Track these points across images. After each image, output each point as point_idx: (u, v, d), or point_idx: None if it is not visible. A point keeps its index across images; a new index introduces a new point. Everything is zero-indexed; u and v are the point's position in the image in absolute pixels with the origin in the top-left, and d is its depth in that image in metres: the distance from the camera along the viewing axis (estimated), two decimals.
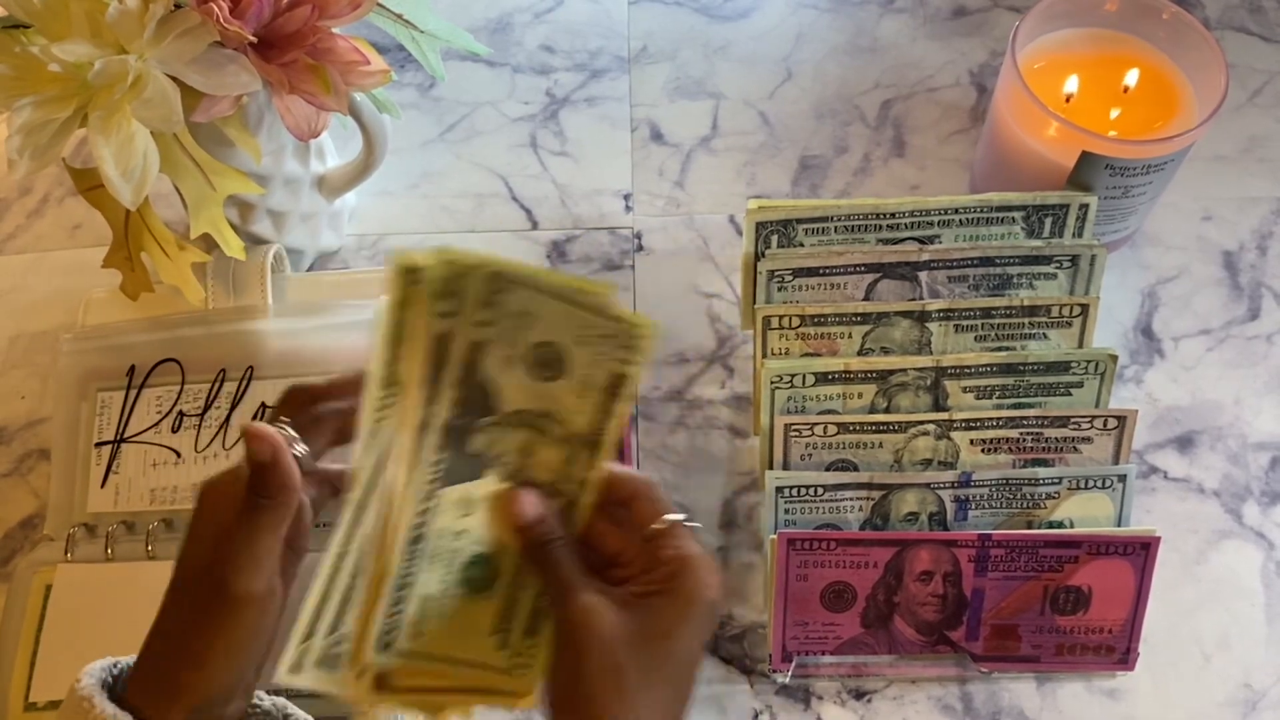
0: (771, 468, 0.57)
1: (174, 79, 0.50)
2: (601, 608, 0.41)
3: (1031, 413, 0.57)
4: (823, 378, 0.57)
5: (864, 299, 0.60)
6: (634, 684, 0.40)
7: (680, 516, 0.43)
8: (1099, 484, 0.56)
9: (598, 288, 0.40)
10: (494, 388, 0.42)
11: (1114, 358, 0.57)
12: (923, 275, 0.59)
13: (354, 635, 0.44)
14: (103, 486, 0.60)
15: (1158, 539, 0.54)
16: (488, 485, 0.43)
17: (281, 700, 0.47)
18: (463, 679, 0.45)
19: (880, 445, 0.57)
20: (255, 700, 0.46)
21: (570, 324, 0.41)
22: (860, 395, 0.58)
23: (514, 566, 0.44)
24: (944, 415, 0.57)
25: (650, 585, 0.42)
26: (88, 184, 0.56)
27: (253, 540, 0.42)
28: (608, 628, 0.40)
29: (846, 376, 0.57)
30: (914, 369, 0.57)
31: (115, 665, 0.45)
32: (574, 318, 0.41)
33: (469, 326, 0.40)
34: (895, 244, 0.60)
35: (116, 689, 0.44)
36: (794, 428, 0.57)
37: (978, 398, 0.58)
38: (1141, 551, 0.55)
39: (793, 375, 0.57)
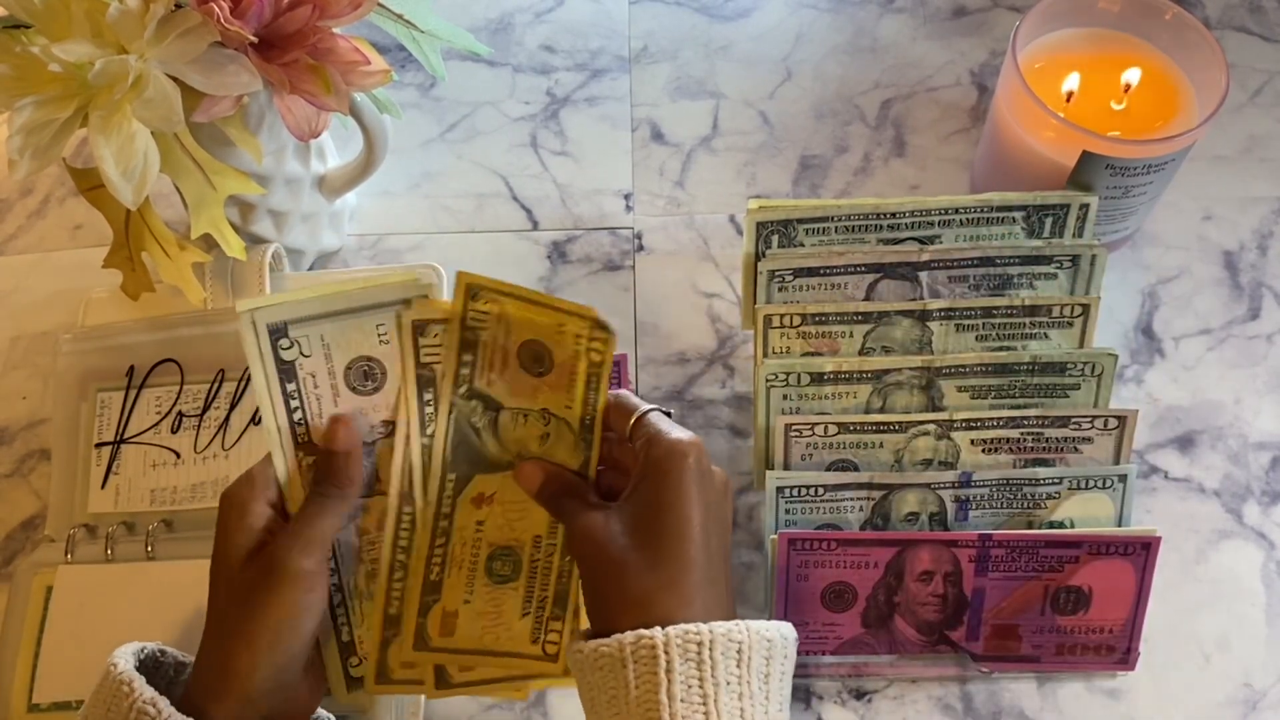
0: (771, 468, 0.57)
1: (175, 79, 0.50)
2: (595, 520, 0.44)
3: (1032, 413, 0.57)
4: (818, 377, 0.57)
5: (864, 299, 0.60)
6: (638, 570, 0.42)
7: (647, 407, 0.45)
8: (1099, 484, 0.56)
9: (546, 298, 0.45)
10: (494, 389, 0.44)
11: (1113, 357, 0.57)
12: (923, 275, 0.59)
13: (402, 635, 0.48)
14: (103, 487, 0.60)
15: (1158, 539, 0.54)
16: (499, 477, 0.47)
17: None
18: (504, 668, 0.49)
19: (881, 445, 0.57)
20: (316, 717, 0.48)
21: (542, 322, 0.44)
22: (855, 395, 0.58)
23: (531, 554, 0.48)
24: (944, 415, 0.57)
25: (635, 479, 0.44)
26: (88, 184, 0.56)
27: (314, 524, 0.45)
28: (600, 533, 0.43)
29: (842, 376, 0.57)
30: (909, 368, 0.57)
31: (142, 650, 0.45)
32: (543, 316, 0.44)
33: (462, 331, 0.45)
34: (896, 244, 0.60)
35: (158, 678, 0.45)
36: (794, 428, 0.57)
37: (973, 397, 0.58)
38: (1142, 551, 0.55)
39: (788, 374, 0.57)
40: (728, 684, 0.40)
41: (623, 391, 0.47)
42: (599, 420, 0.46)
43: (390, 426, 0.47)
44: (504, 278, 0.45)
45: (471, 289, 0.44)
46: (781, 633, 0.42)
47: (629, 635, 0.40)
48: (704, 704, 0.39)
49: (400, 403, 0.46)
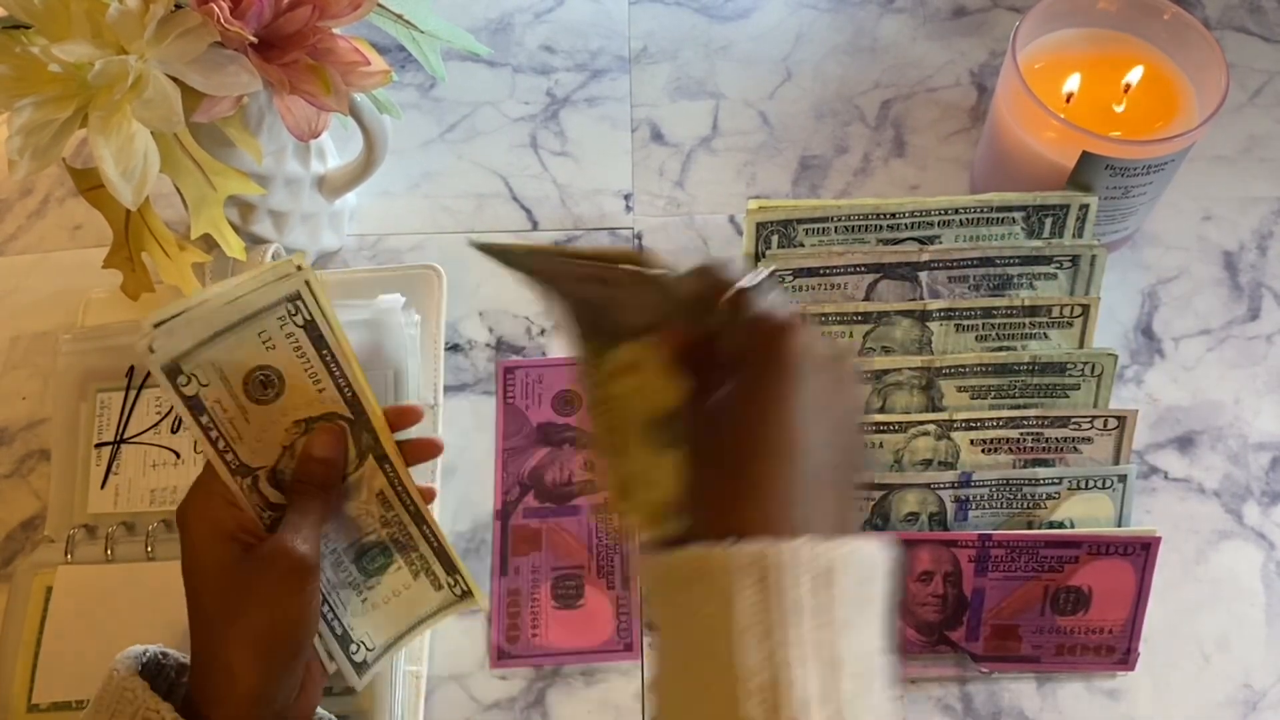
0: None
1: (174, 79, 0.50)
2: None
3: (1032, 413, 0.57)
4: None
5: (864, 299, 0.60)
6: (725, 475, 0.36)
7: (744, 282, 0.37)
8: (1099, 484, 0.56)
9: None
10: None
11: (1113, 357, 0.57)
12: (923, 275, 0.59)
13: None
14: (103, 487, 0.60)
15: (1158, 539, 0.54)
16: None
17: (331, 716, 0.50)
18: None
19: (880, 445, 0.57)
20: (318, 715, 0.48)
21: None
22: None
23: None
24: (944, 415, 0.57)
25: (736, 366, 0.37)
26: (88, 184, 0.56)
27: (308, 516, 0.45)
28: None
29: None
30: (909, 368, 0.57)
31: (144, 653, 0.45)
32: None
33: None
34: (895, 244, 0.60)
35: (160, 682, 0.45)
36: None
37: (973, 397, 0.58)
38: (1142, 552, 0.55)
39: None
40: (809, 609, 0.33)
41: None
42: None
43: (304, 424, 0.46)
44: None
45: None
46: (868, 552, 0.35)
47: (697, 549, 0.34)
48: (769, 634, 0.32)
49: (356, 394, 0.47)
